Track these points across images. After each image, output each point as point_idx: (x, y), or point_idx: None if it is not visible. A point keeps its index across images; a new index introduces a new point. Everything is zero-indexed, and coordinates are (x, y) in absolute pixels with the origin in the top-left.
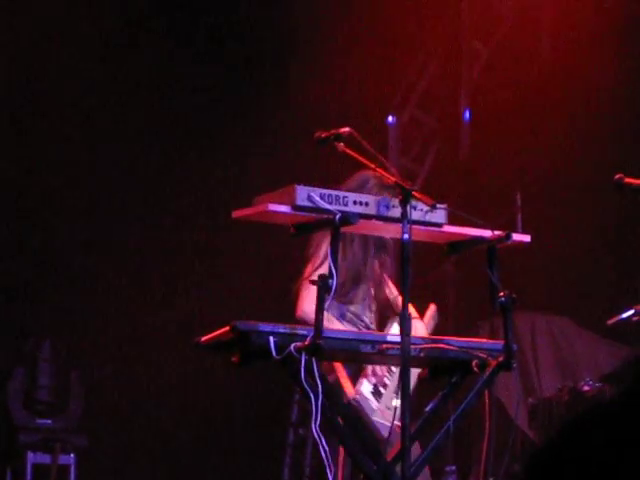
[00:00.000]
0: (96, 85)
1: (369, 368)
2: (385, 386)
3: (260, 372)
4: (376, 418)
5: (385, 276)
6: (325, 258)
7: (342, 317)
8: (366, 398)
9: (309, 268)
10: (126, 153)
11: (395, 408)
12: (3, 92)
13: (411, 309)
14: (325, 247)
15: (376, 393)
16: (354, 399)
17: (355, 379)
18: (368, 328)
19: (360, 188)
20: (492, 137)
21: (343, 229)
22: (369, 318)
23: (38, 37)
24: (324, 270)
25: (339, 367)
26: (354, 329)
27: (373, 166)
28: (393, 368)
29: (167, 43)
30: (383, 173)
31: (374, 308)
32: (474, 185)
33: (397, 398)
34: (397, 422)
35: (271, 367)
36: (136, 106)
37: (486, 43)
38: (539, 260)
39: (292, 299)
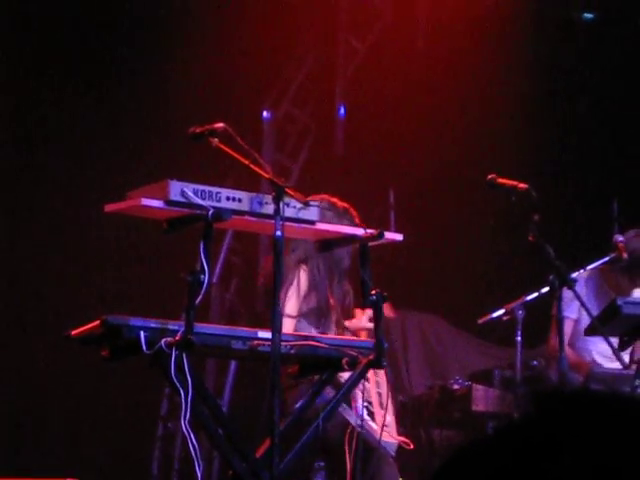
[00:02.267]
0: None
1: (357, 392)
2: (371, 404)
3: (129, 365)
4: (383, 438)
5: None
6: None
7: None
8: (368, 421)
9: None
10: None
11: (389, 425)
12: None
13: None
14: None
15: (370, 414)
16: (360, 425)
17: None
18: None
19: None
20: (367, 134)
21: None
22: None
23: None
24: (307, 301)
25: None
26: None
27: (247, 162)
28: (367, 384)
29: (36, 36)
30: (257, 169)
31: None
32: (348, 182)
33: (387, 414)
34: (399, 437)
35: (141, 359)
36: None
37: (362, 40)
38: (411, 258)
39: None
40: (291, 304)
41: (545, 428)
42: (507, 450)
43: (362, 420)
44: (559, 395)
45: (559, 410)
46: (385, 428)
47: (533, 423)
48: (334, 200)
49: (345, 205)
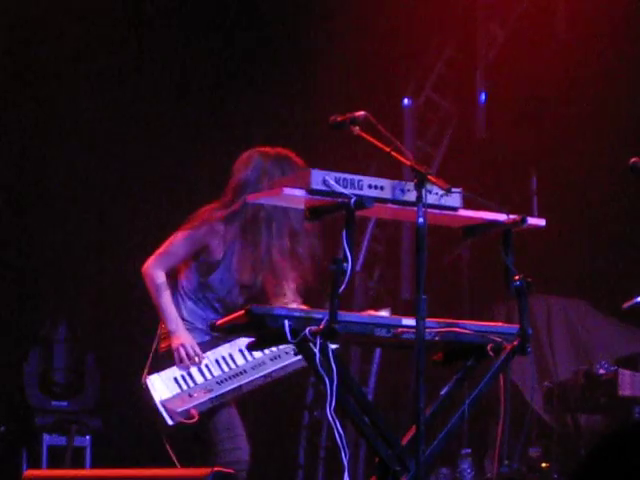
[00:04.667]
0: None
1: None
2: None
3: None
4: (168, 405)
5: (285, 267)
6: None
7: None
8: (162, 385)
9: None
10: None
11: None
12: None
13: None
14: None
15: (184, 379)
16: (144, 383)
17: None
18: None
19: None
20: (508, 120)
21: (360, 214)
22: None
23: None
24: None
25: None
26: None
27: (388, 149)
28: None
29: (178, 31)
30: (398, 157)
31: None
32: (490, 168)
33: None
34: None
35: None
36: (151, 86)
37: (502, 25)
38: (555, 243)
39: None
40: (177, 241)
41: None
42: None
43: (149, 380)
44: None
45: None
46: (187, 397)
47: None
48: (266, 149)
49: (280, 151)
